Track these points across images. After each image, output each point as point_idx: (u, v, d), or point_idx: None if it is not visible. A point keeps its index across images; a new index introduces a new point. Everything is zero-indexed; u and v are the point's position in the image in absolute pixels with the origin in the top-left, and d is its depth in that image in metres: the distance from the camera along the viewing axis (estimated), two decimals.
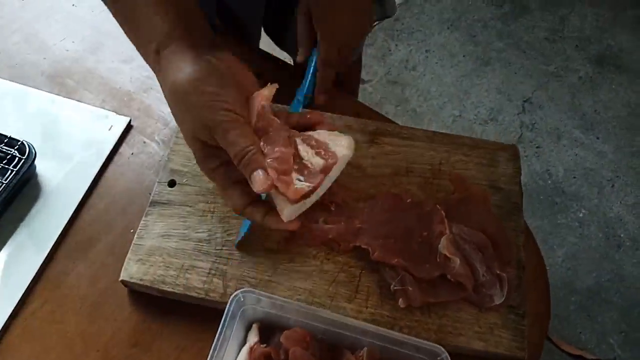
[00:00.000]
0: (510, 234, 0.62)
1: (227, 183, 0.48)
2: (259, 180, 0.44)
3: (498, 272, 0.59)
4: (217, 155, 0.46)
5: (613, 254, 1.65)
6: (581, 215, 1.73)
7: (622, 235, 1.69)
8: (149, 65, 0.47)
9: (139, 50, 0.47)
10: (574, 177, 1.80)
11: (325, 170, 0.47)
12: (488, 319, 0.58)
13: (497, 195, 0.66)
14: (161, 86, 0.46)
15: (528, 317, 0.59)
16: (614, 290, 1.59)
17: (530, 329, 0.59)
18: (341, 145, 0.48)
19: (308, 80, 0.68)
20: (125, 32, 0.47)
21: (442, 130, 1.89)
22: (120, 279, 0.60)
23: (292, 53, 1.03)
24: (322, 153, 0.47)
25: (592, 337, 1.52)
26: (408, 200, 0.62)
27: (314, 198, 0.48)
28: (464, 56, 2.06)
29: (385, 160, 0.68)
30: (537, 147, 1.86)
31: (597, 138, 1.87)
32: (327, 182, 0.49)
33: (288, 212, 0.47)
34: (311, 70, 0.68)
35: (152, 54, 0.45)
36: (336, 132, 0.50)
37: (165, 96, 0.46)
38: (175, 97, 0.44)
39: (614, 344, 1.52)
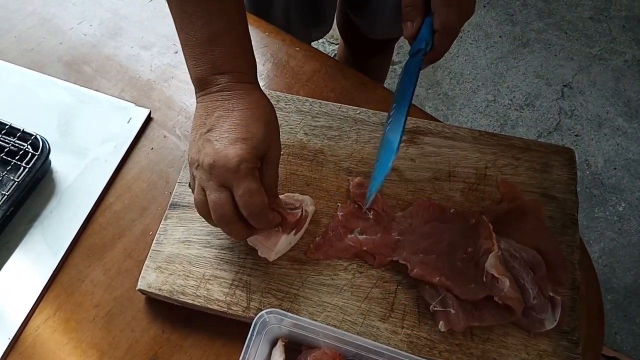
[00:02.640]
0: (565, 251, 0.56)
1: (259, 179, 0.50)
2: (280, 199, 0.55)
3: (551, 294, 0.53)
4: (260, 162, 0.49)
5: None
6: (621, 209, 1.63)
7: None
8: (228, 80, 0.49)
9: (226, 65, 0.49)
10: (615, 168, 1.70)
11: (302, 221, 0.55)
12: (537, 345, 0.53)
13: (550, 206, 0.59)
14: (245, 102, 0.49)
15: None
16: None
17: (582, 355, 0.53)
18: (306, 203, 0.56)
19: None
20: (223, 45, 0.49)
21: (474, 115, 1.83)
22: (138, 287, 0.56)
23: (368, 24, 0.98)
24: (295, 209, 0.55)
25: (628, 339, 1.45)
26: (451, 211, 0.56)
27: (294, 241, 0.57)
28: (500, 37, 1.95)
29: (425, 163, 0.62)
30: (575, 136, 1.76)
31: None
32: (302, 232, 0.57)
33: (279, 246, 0.54)
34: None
35: (244, 75, 0.50)
36: (297, 195, 0.58)
37: (251, 109, 0.49)
38: (269, 115, 0.50)
39: None
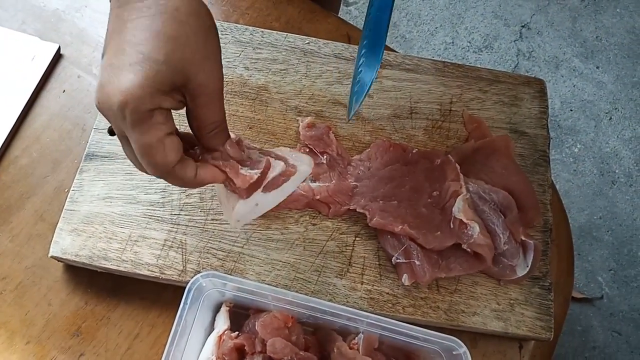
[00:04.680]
0: (537, 190, 0.51)
1: (168, 128, 0.34)
2: (233, 149, 0.38)
3: (523, 238, 0.48)
4: (170, 99, 0.34)
5: (607, 190, 1.59)
6: (576, 150, 1.64)
7: (616, 171, 1.62)
8: None
9: None
10: (571, 110, 1.70)
11: (287, 174, 0.42)
12: (508, 293, 0.48)
13: (520, 142, 0.54)
14: (151, 9, 0.33)
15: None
16: (606, 228, 1.55)
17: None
18: (300, 161, 0.43)
19: None
20: None
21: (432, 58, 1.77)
22: (50, 254, 0.47)
23: None
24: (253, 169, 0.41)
25: (581, 276, 1.49)
26: (414, 151, 0.50)
27: (266, 204, 0.43)
28: None
29: (384, 99, 0.55)
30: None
31: (597, 67, 1.75)
32: (282, 194, 0.43)
33: (239, 211, 0.41)
34: None
35: None
36: (296, 150, 0.46)
37: (151, 16, 0.33)
38: (191, 20, 0.34)
39: (602, 282, 1.50)
